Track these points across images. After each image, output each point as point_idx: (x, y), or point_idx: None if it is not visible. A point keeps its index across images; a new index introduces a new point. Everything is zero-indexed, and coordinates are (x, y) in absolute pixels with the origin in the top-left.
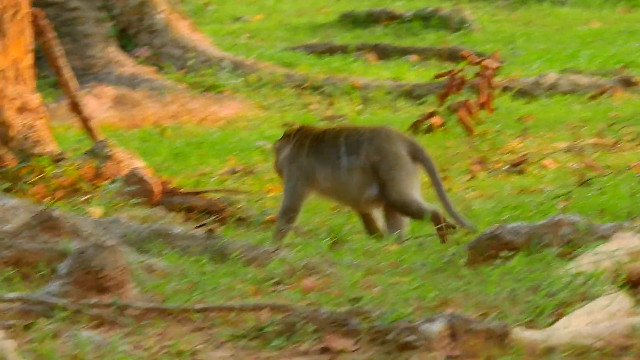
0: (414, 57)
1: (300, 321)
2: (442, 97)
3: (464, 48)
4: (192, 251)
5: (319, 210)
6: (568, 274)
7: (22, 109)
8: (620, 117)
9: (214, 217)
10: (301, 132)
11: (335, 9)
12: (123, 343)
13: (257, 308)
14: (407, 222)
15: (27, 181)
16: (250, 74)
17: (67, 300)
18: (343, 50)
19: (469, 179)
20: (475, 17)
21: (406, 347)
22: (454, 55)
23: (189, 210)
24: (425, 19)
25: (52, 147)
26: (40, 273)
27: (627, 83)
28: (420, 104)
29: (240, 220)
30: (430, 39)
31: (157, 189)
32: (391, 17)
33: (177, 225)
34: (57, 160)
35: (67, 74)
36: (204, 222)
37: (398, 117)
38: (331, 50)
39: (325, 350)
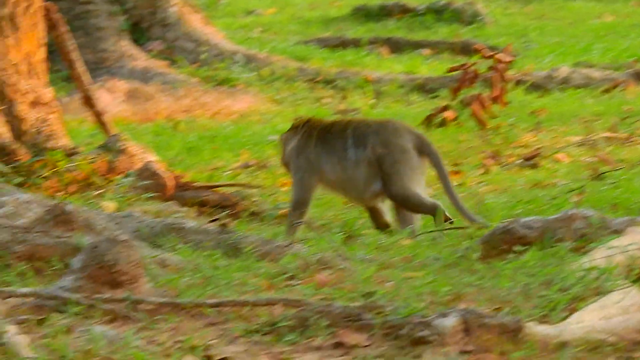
0: (426, 51)
1: (313, 316)
2: (455, 91)
3: (477, 41)
4: (205, 246)
5: (333, 204)
6: (581, 268)
7: (35, 103)
8: (633, 111)
9: (227, 211)
10: (309, 124)
11: (348, 2)
12: (136, 338)
13: (270, 303)
14: (418, 217)
15: (40, 175)
16: (263, 67)
17: (80, 295)
18: (356, 43)
19: (482, 173)
20: (488, 10)
21: (419, 341)
22: (466, 49)
23: (202, 204)
24: (438, 12)
25: (65, 141)
26: (54, 268)
27: None
28: (433, 97)
29: (254, 215)
30: (443, 32)
31: (170, 183)
32: (404, 11)
33: (190, 219)
34: (70, 154)
35: (80, 67)
36: (217, 216)
37: (411, 110)
38: (344, 44)
39: (338, 345)
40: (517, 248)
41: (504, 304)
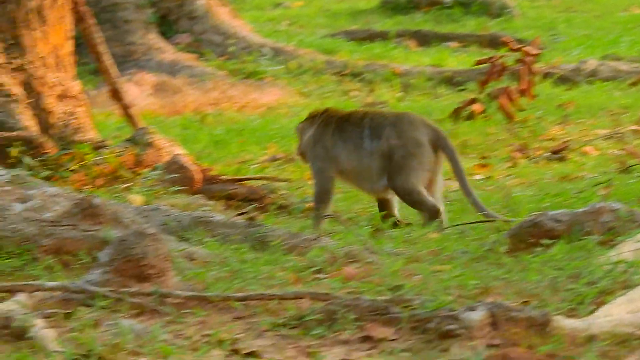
0: (454, 44)
1: (341, 310)
2: (483, 84)
3: (505, 34)
4: (233, 239)
5: (360, 198)
6: (609, 261)
7: (62, 96)
8: None
9: (255, 204)
10: (326, 114)
11: None
12: (164, 332)
13: (297, 296)
14: (443, 209)
15: (67, 169)
16: (290, 60)
17: (108, 288)
18: (383, 36)
19: (510, 166)
20: (516, 3)
21: (447, 335)
22: (494, 42)
23: (230, 197)
24: (466, 5)
25: (92, 135)
26: (81, 261)
27: None
28: (460, 90)
29: (281, 208)
30: (470, 25)
31: (197, 176)
32: (432, 3)
33: (217, 213)
34: (98, 147)
35: (108, 60)
36: (244, 209)
37: (438, 103)
38: (371, 37)
39: (366, 338)
40: (544, 241)
41: (532, 297)
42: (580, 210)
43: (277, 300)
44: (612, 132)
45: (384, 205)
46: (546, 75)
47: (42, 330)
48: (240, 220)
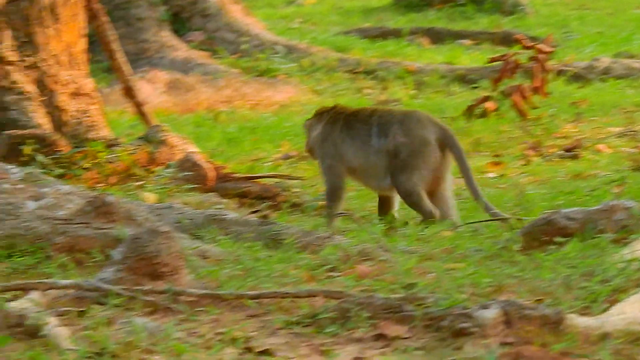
0: (467, 41)
1: (354, 308)
2: (496, 82)
3: (518, 32)
4: (246, 237)
5: (373, 196)
6: (622, 259)
7: (75, 94)
8: None
9: (268, 202)
10: (334, 111)
11: None
12: (177, 330)
13: (311, 294)
14: (455, 207)
15: (80, 167)
16: (303, 58)
17: (121, 286)
18: (396, 34)
19: (523, 164)
20: (529, 0)
21: (461, 333)
22: (507, 39)
23: (243, 195)
24: (479, 3)
25: (105, 132)
26: (94, 259)
27: None
28: (473, 88)
29: (295, 206)
30: (483, 22)
31: (211, 174)
32: (445, 1)
33: (231, 211)
34: (111, 145)
35: (121, 58)
36: (257, 207)
37: (452, 101)
38: (384, 34)
39: (379, 336)
40: (558, 239)
41: (545, 295)
42: (594, 208)
43: (291, 298)
44: (625, 129)
45: (384, 202)
46: (559, 73)
47: (56, 328)
48: (253, 218)
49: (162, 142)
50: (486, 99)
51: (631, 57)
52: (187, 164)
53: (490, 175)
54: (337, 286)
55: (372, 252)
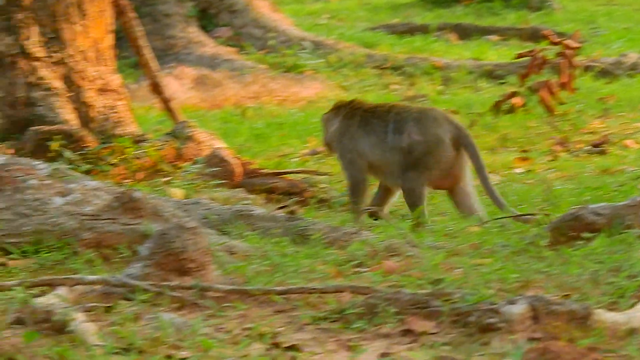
0: (495, 37)
1: (381, 303)
2: (523, 77)
3: (545, 28)
4: (274, 233)
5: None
6: None
7: (102, 90)
8: None
9: (295, 198)
10: (352, 106)
11: None
12: (204, 325)
13: (338, 290)
14: (478, 202)
15: (108, 162)
16: (331, 54)
17: (148, 282)
18: (424, 30)
19: (551, 160)
20: None
21: (488, 328)
22: (535, 35)
23: (270, 191)
24: None
25: (133, 128)
26: (121, 255)
27: None
28: (501, 84)
29: (322, 202)
30: (511, 18)
31: (238, 170)
32: None
33: (258, 206)
34: (138, 141)
35: (148, 54)
36: (285, 203)
37: (479, 97)
38: (412, 30)
39: (406, 332)
40: (585, 235)
41: (573, 290)
42: (621, 203)
43: (318, 294)
44: None
45: (384, 195)
46: (587, 68)
47: (83, 324)
48: (280, 213)
49: (190, 138)
50: (513, 94)
51: None
52: (215, 160)
53: (518, 170)
54: (364, 282)
55: (399, 247)
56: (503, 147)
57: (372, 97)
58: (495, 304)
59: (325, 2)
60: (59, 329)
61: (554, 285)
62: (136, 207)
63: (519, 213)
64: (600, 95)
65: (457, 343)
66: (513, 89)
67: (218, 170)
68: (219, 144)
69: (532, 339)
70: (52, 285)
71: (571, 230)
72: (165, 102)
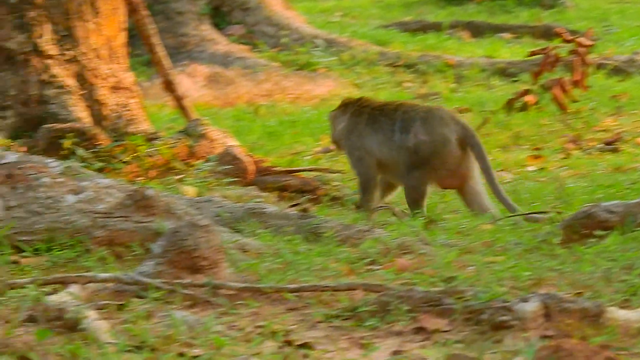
0: (507, 35)
1: (394, 301)
2: (536, 75)
3: (558, 25)
4: (286, 230)
5: None
6: None
7: (115, 88)
8: None
9: (308, 196)
10: (359, 103)
11: None
12: (217, 323)
13: (351, 288)
14: (489, 200)
15: (120, 160)
16: (343, 52)
17: (161, 280)
18: (437, 27)
19: (563, 158)
20: None
21: (500, 326)
22: (547, 33)
23: (283, 189)
24: None
25: (145, 126)
26: (134, 253)
27: None
28: (514, 81)
29: (334, 199)
30: (524, 16)
31: (250, 167)
32: None
33: (270, 204)
34: (151, 139)
35: (161, 52)
36: (297, 201)
37: (492, 94)
38: (425, 28)
39: (419, 330)
40: (598, 233)
41: (585, 288)
42: (634, 201)
43: (330, 292)
44: None
45: (385, 189)
46: (599, 66)
47: (95, 321)
48: (293, 211)
49: (202, 136)
50: (526, 92)
51: None
52: (227, 158)
53: (530, 168)
54: (376, 279)
55: (412, 245)
56: (516, 144)
57: (384, 94)
58: (507, 301)
59: (338, 0)
60: (71, 326)
61: (566, 283)
62: (149, 204)
63: (525, 212)
64: (613, 93)
65: (469, 341)
66: (526, 87)
67: (231, 168)
68: (232, 142)
69: (544, 337)
70: (64, 283)
71: (584, 228)
72: (178, 99)
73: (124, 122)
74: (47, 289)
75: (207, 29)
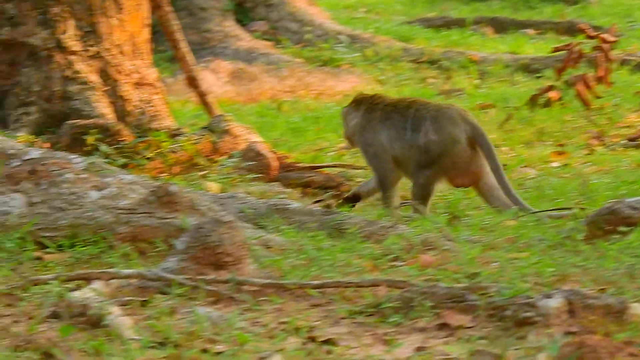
0: (531, 31)
1: (417, 297)
2: (560, 71)
3: (582, 21)
4: (310, 227)
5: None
6: None
7: (139, 84)
8: None
9: (331, 192)
10: (372, 100)
11: None
12: (240, 319)
13: (374, 284)
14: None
15: (144, 156)
16: (367, 48)
17: (184, 276)
18: (460, 23)
19: (587, 154)
20: None
21: (524, 322)
22: (571, 29)
23: (306, 185)
24: None
25: (169, 122)
26: (157, 249)
27: None
28: (537, 77)
29: None
30: (547, 12)
31: (274, 164)
32: None
33: (294, 200)
34: (174, 135)
35: (184, 48)
36: (321, 197)
37: (515, 90)
38: (448, 24)
39: (442, 326)
40: (621, 229)
41: (609, 284)
42: None
43: (354, 288)
44: None
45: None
46: (623, 62)
47: (118, 318)
48: (316, 207)
49: (226, 132)
50: (550, 88)
51: None
52: (251, 154)
53: (554, 164)
54: (400, 275)
55: (435, 241)
56: (539, 141)
57: (408, 90)
58: (531, 298)
59: None
60: (94, 323)
61: (590, 279)
62: (172, 201)
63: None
64: (637, 89)
65: (493, 337)
66: (549, 83)
67: (254, 164)
68: (255, 138)
69: (568, 333)
70: (88, 279)
71: (607, 224)
72: (202, 96)
73: (147, 118)
74: (70, 285)
75: (230, 25)
